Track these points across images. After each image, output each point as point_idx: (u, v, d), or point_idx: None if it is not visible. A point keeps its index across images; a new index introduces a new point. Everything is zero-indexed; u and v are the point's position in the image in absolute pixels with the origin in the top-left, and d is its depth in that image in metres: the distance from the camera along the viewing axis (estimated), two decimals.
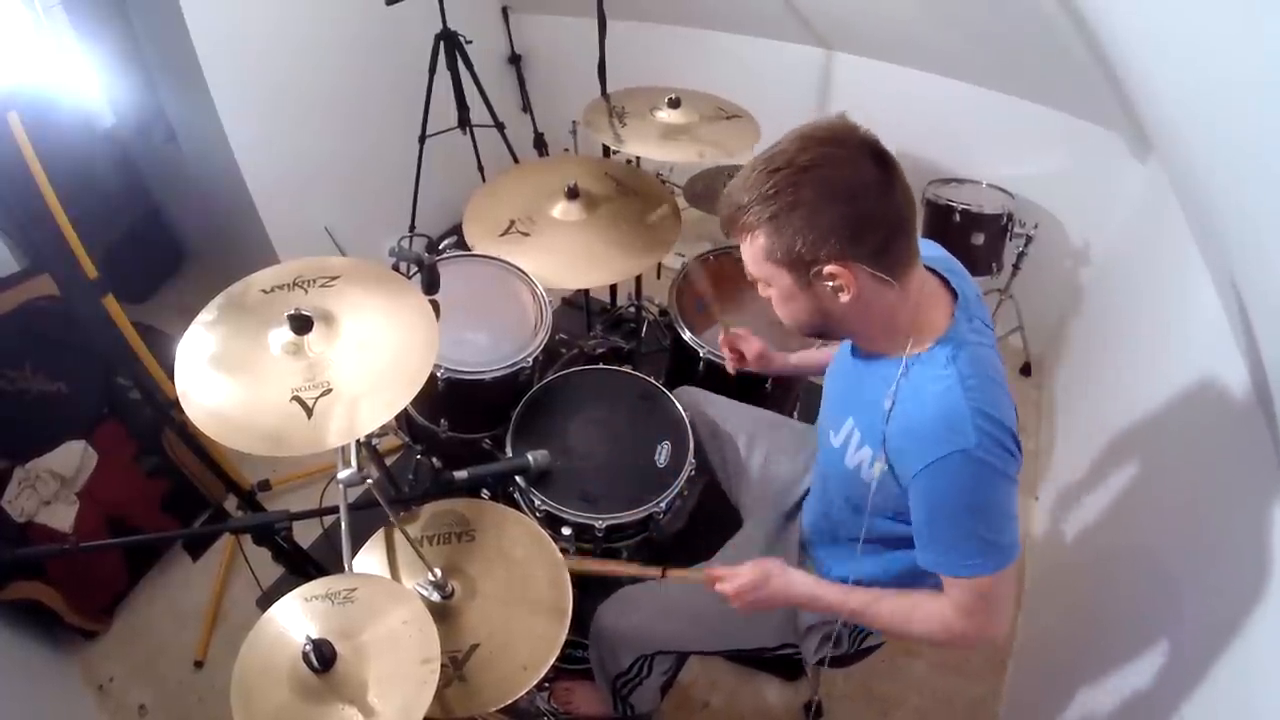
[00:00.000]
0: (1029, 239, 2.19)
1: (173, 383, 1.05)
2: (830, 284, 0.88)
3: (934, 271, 0.99)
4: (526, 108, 3.00)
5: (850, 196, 0.83)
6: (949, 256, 1.07)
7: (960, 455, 0.86)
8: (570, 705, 1.68)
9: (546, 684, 1.71)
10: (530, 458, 1.38)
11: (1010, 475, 0.89)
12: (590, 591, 1.42)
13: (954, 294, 0.98)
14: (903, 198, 0.86)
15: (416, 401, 1.50)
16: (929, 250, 1.04)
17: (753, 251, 0.91)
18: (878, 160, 0.84)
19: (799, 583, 1.11)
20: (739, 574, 1.12)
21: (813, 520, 1.27)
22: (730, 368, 1.46)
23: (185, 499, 2.02)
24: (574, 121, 2.51)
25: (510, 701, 1.06)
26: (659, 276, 2.67)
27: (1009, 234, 2.21)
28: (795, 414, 1.90)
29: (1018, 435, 0.91)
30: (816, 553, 1.28)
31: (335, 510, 1.21)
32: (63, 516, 1.76)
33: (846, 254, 0.85)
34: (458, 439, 1.64)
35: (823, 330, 0.99)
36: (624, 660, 1.38)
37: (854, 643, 1.27)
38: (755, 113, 1.90)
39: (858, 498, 1.04)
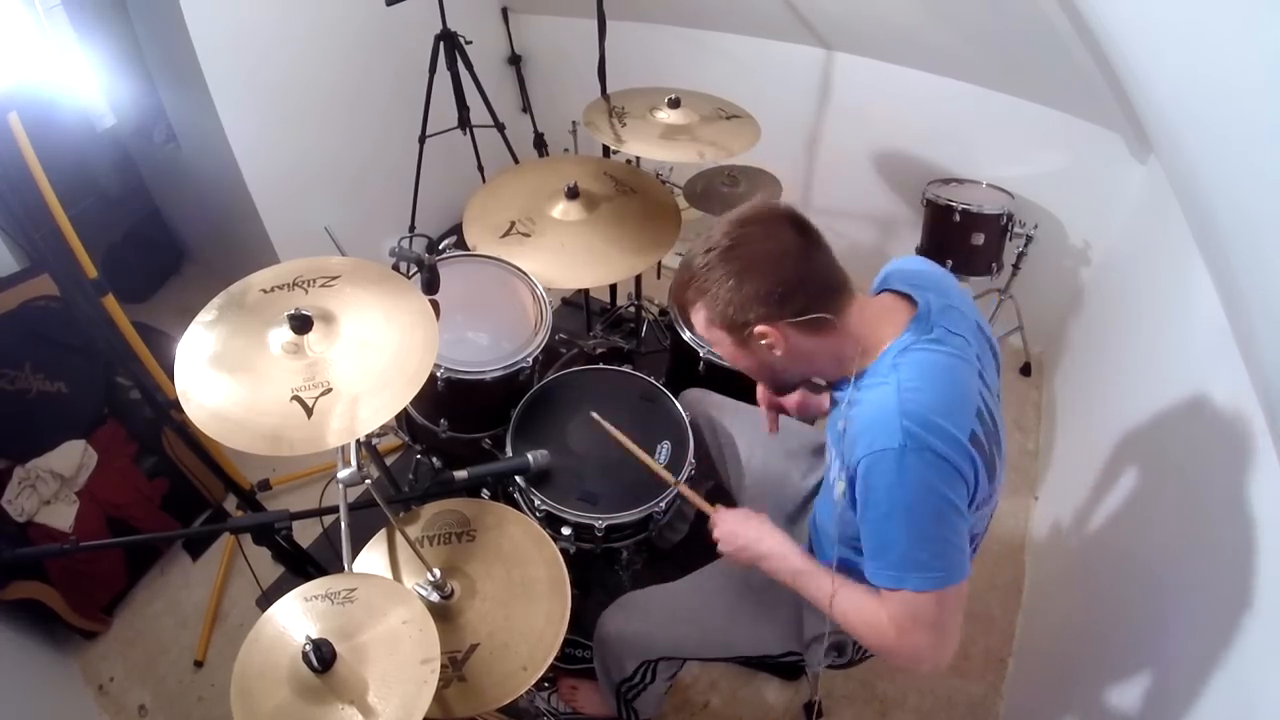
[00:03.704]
0: (1029, 239, 2.19)
1: (173, 383, 1.05)
2: (763, 342, 0.97)
3: (894, 290, 1.03)
4: (526, 108, 3.00)
5: (770, 267, 0.94)
6: (924, 269, 1.08)
7: (885, 455, 0.86)
8: (575, 703, 1.68)
9: (546, 684, 1.72)
10: (530, 457, 1.38)
11: (944, 493, 0.86)
12: (591, 592, 1.43)
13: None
14: (824, 257, 0.97)
15: (416, 401, 1.51)
16: (903, 264, 1.09)
17: (697, 321, 1.03)
18: (797, 228, 0.95)
19: (778, 537, 1.13)
20: (734, 511, 1.19)
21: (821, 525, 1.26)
22: (773, 428, 1.37)
23: (185, 499, 2.02)
24: (574, 121, 2.51)
25: (510, 701, 1.06)
26: (659, 276, 2.68)
27: (1009, 234, 2.21)
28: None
29: (974, 447, 0.88)
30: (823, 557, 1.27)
31: (335, 510, 1.21)
32: (63, 516, 1.76)
33: (772, 316, 0.95)
34: (458, 439, 1.64)
35: (773, 380, 1.08)
36: (628, 666, 1.38)
37: (858, 650, 1.26)
38: (755, 113, 1.90)
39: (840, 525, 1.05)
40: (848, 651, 1.25)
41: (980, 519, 1.02)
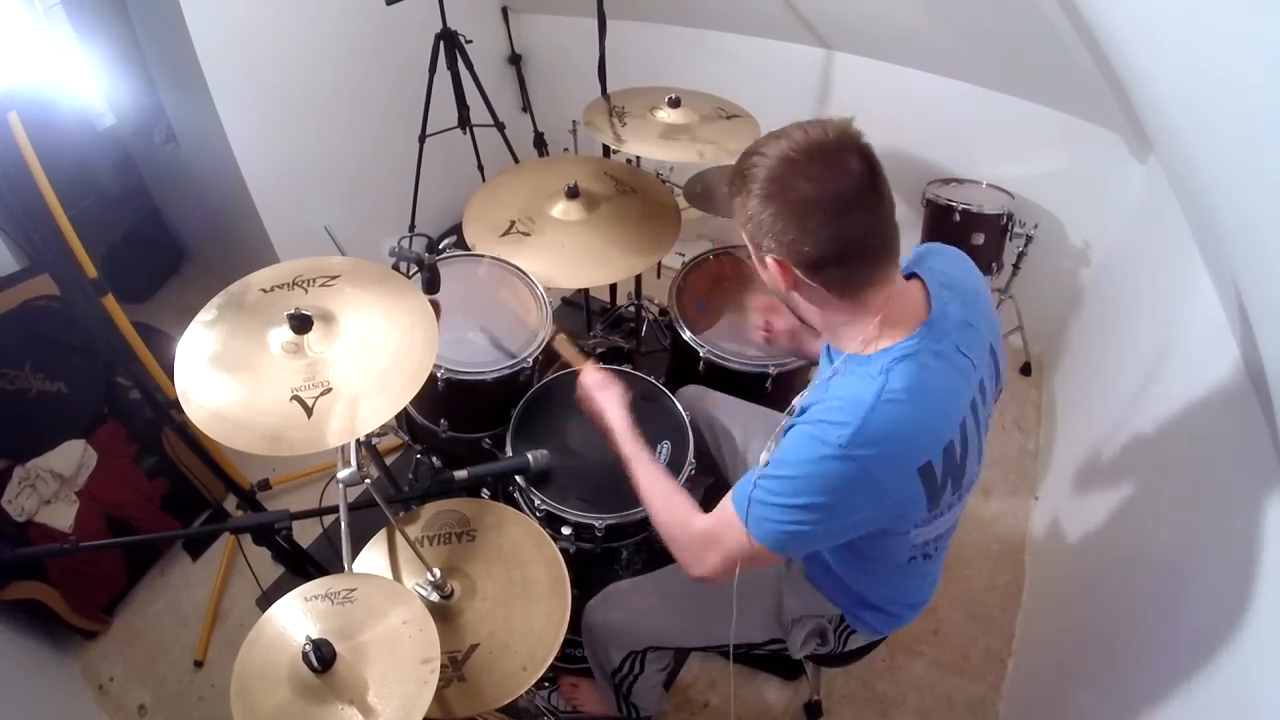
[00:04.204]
0: (1029, 239, 2.19)
1: (173, 383, 1.05)
2: (773, 271, 0.93)
3: (924, 282, 0.98)
4: (526, 108, 3.00)
5: (807, 213, 0.86)
6: (961, 276, 1.02)
7: (824, 441, 0.86)
8: (576, 701, 1.68)
9: (546, 683, 1.72)
10: (530, 457, 1.38)
11: (842, 500, 0.88)
12: (591, 592, 1.42)
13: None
14: (872, 224, 0.88)
15: (416, 401, 1.51)
16: (946, 262, 1.03)
17: (736, 204, 0.94)
18: (861, 180, 0.86)
19: (619, 414, 1.25)
20: (598, 374, 1.33)
21: None
22: (757, 336, 1.45)
23: (185, 499, 2.02)
24: (574, 121, 2.51)
25: (510, 701, 1.06)
26: (659, 276, 2.67)
27: (1009, 234, 2.21)
28: None
29: (922, 477, 0.89)
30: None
31: (335, 510, 1.21)
32: (63, 516, 1.76)
33: (789, 259, 0.89)
34: (458, 439, 1.64)
35: (783, 300, 1.01)
36: (615, 657, 1.38)
37: (840, 640, 1.26)
38: (755, 113, 1.90)
39: None
40: (830, 639, 1.25)
41: (927, 532, 1.03)
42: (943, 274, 0.99)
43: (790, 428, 0.94)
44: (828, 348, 1.06)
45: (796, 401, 1.00)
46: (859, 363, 0.92)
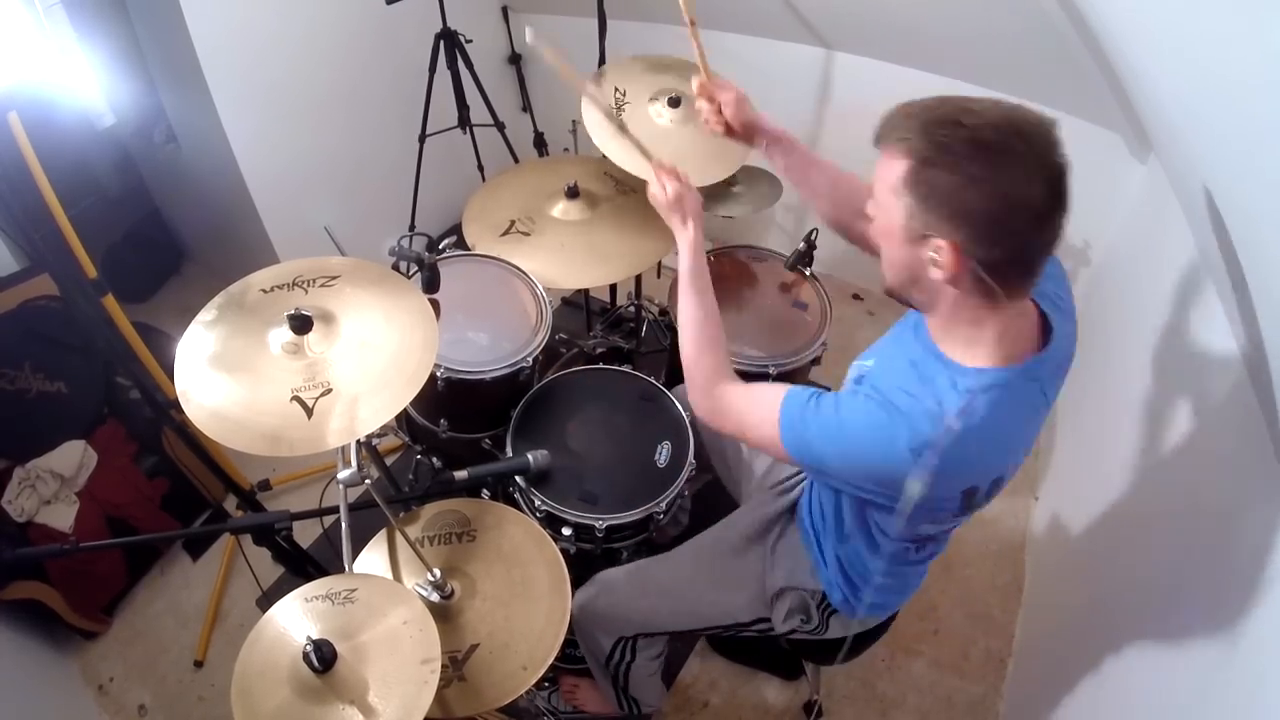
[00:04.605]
0: None
1: (173, 383, 1.05)
2: (929, 255, 0.82)
3: (1042, 313, 0.93)
4: (526, 107, 2.99)
5: (1005, 202, 0.77)
6: (1064, 288, 1.00)
7: (893, 420, 0.85)
8: (576, 701, 1.68)
9: (547, 683, 1.72)
10: (530, 458, 1.38)
11: (887, 487, 0.88)
12: None
13: (1045, 344, 0.92)
14: (1052, 234, 0.80)
15: (416, 401, 1.51)
16: (1060, 282, 1.01)
17: (887, 170, 0.84)
18: (1052, 189, 0.78)
19: (695, 215, 1.16)
20: (683, 183, 1.17)
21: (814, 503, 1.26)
22: (712, 126, 1.27)
23: (185, 499, 2.02)
24: (574, 121, 2.51)
25: (510, 701, 1.06)
26: (659, 276, 2.67)
27: None
28: None
29: (963, 499, 0.91)
30: (804, 525, 1.28)
31: (335, 510, 1.21)
32: (63, 516, 1.76)
33: (966, 247, 0.80)
34: (458, 439, 1.64)
35: (898, 285, 0.92)
36: (604, 643, 1.39)
37: (823, 617, 1.26)
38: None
39: None
40: (812, 615, 1.25)
41: (938, 530, 1.06)
42: (1055, 296, 0.96)
43: (859, 384, 0.95)
44: (916, 327, 0.98)
45: (863, 362, 1.02)
46: (954, 370, 0.88)
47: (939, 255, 0.81)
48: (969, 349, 0.88)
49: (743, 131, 1.26)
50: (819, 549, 1.21)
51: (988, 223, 0.78)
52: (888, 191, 0.84)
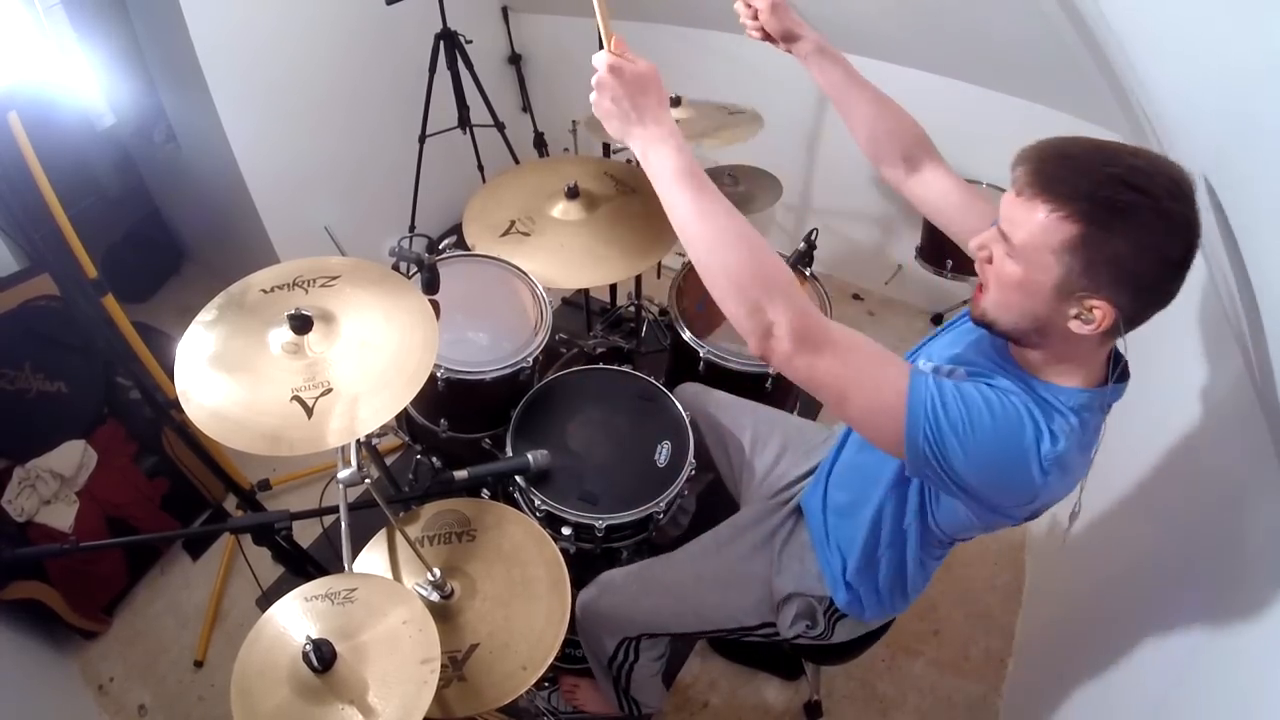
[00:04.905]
0: None
1: (173, 383, 1.06)
2: (1078, 311, 0.79)
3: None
4: (526, 108, 3.00)
5: (1167, 265, 0.76)
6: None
7: (1032, 424, 0.81)
8: (577, 701, 1.68)
9: (547, 683, 1.72)
10: (530, 457, 1.38)
11: (991, 487, 0.85)
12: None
13: (1110, 369, 0.90)
14: (1180, 284, 0.79)
15: (416, 401, 1.51)
16: None
17: (1042, 226, 0.77)
18: (1193, 246, 0.76)
19: (666, 119, 0.86)
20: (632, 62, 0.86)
21: (831, 494, 1.24)
22: (749, 31, 1.24)
23: (185, 499, 2.02)
24: (574, 121, 2.51)
25: (510, 701, 1.06)
26: (659, 276, 2.67)
27: None
28: (795, 410, 1.90)
29: (1036, 513, 0.92)
30: (811, 510, 1.27)
31: (335, 510, 1.21)
32: (63, 516, 1.76)
33: (1121, 304, 0.78)
34: (458, 439, 1.64)
35: (1013, 328, 0.87)
36: (608, 644, 1.39)
37: (829, 622, 1.26)
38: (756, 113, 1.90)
39: None
40: (819, 620, 1.25)
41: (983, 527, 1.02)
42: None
43: (977, 377, 0.88)
44: (996, 348, 0.95)
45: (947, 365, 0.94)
46: (1054, 390, 0.87)
47: (1092, 314, 0.79)
48: (1064, 376, 0.88)
49: (781, 38, 1.22)
50: (830, 551, 1.21)
51: (1149, 285, 0.78)
52: (1044, 250, 0.78)
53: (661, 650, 1.46)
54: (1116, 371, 0.89)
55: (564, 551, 1.27)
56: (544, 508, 1.39)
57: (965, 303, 2.88)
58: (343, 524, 1.18)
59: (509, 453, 1.46)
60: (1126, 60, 1.31)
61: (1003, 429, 0.82)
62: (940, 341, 1.07)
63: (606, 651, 1.40)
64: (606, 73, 0.86)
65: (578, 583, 1.23)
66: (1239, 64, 0.80)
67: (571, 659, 1.66)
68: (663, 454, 1.47)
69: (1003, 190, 2.52)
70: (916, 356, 1.06)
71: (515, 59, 2.97)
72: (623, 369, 1.67)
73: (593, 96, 0.89)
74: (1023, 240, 0.80)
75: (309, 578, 1.09)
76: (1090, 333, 0.80)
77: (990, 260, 0.86)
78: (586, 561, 1.47)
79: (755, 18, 1.22)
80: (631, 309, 2.32)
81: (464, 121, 2.42)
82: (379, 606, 0.99)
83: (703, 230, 0.83)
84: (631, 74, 0.85)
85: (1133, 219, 0.74)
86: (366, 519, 1.26)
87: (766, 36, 1.22)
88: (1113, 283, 0.77)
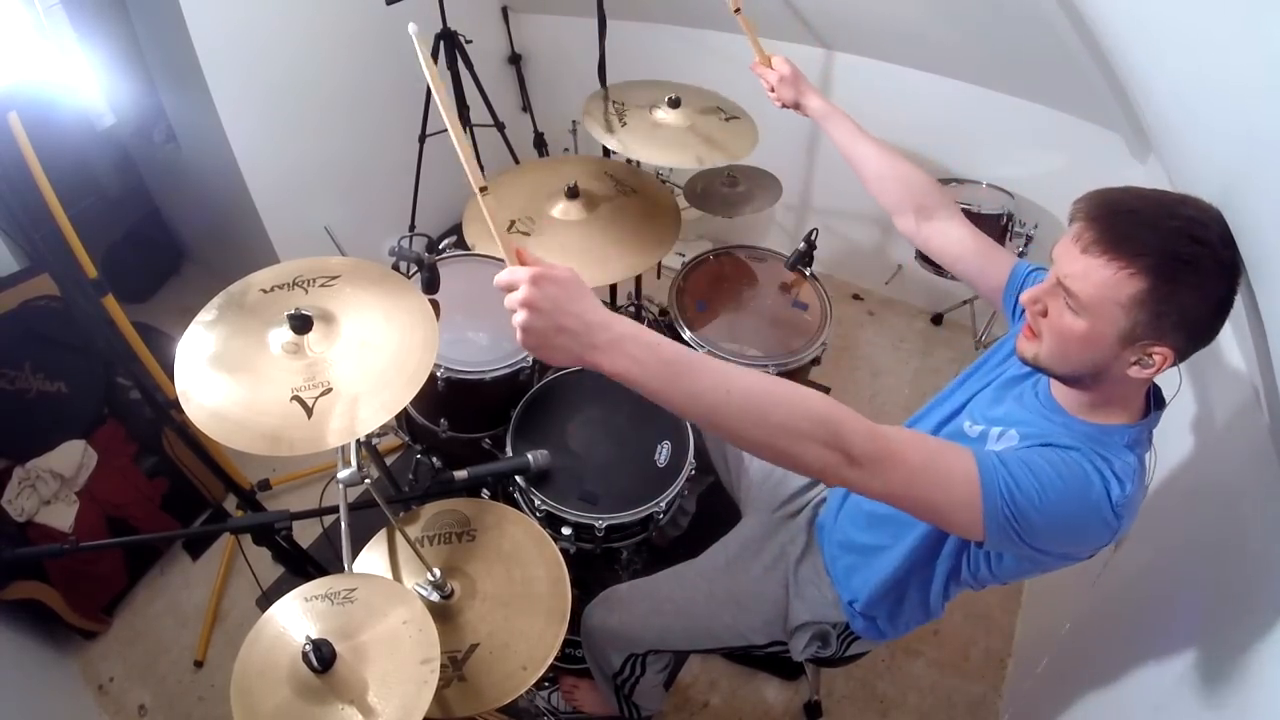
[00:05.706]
0: (1029, 239, 2.19)
1: (173, 383, 1.05)
2: (1140, 359, 0.82)
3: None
4: (526, 108, 3.00)
5: (1220, 307, 0.80)
6: None
7: (1095, 472, 0.83)
8: (576, 701, 1.68)
9: (547, 683, 1.72)
10: (530, 457, 1.38)
11: (1085, 513, 0.84)
12: (591, 592, 1.42)
13: (1150, 400, 0.93)
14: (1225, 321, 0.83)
15: (416, 401, 1.51)
16: None
17: (1111, 282, 0.79)
18: (1234, 287, 0.80)
19: (611, 316, 0.78)
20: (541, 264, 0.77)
21: (849, 513, 1.24)
22: (771, 100, 1.46)
23: (185, 499, 2.02)
24: (574, 121, 2.51)
25: (510, 701, 1.06)
26: (659, 276, 2.67)
27: (1009, 234, 2.21)
28: None
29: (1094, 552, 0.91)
30: (826, 539, 1.27)
31: (335, 510, 1.21)
32: (63, 516, 1.76)
33: (1182, 349, 0.81)
34: (458, 439, 1.64)
35: (1069, 375, 0.89)
36: (615, 660, 1.38)
37: (842, 644, 1.27)
38: (755, 113, 1.90)
39: None
40: (831, 642, 1.26)
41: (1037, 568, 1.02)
42: None
43: (1035, 444, 0.89)
44: (1036, 385, 0.99)
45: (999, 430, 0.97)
46: (1108, 432, 0.89)
47: (1152, 359, 0.81)
48: (1113, 415, 0.90)
49: (793, 105, 1.43)
50: (849, 586, 1.20)
51: (1205, 327, 0.81)
52: (1111, 304, 0.79)
53: (666, 662, 1.46)
54: (1154, 399, 0.93)
55: (564, 551, 1.27)
56: (544, 508, 1.39)
57: (965, 302, 2.86)
58: (343, 524, 1.18)
59: (509, 453, 1.46)
60: (1126, 61, 1.31)
61: (1073, 488, 0.83)
62: (981, 401, 1.07)
63: (613, 666, 1.39)
64: (531, 288, 0.72)
65: (577, 583, 1.23)
66: (1238, 66, 0.80)
67: (571, 659, 1.66)
68: (663, 454, 1.47)
69: (1002, 190, 2.52)
70: (959, 419, 1.07)
71: (515, 59, 2.97)
72: None
73: (516, 326, 0.73)
74: (1090, 296, 0.81)
75: (309, 578, 1.09)
76: (1148, 376, 0.83)
77: (1045, 314, 0.88)
78: (586, 561, 1.47)
79: (773, 90, 1.44)
80: (632, 309, 2.32)
81: (464, 121, 2.42)
82: (379, 606, 0.99)
83: (731, 407, 0.74)
84: (558, 278, 0.74)
85: (1198, 270, 0.77)
86: (366, 519, 1.26)
87: (784, 105, 1.44)
88: (1174, 329, 0.79)
